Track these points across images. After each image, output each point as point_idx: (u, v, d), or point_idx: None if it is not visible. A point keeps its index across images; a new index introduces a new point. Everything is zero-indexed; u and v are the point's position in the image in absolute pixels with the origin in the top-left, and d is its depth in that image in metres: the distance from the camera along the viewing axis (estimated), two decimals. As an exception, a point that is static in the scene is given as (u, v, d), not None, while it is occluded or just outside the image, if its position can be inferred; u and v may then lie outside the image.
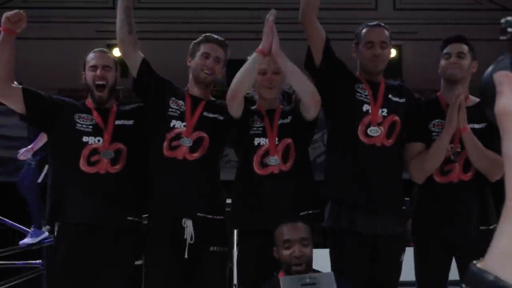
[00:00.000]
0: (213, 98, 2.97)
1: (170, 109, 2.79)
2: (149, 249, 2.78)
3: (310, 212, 2.81)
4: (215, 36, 2.92)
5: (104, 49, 3.01)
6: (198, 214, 2.71)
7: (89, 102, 2.88)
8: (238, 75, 2.76)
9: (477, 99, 2.90)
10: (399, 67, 11.03)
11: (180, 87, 2.95)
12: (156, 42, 10.91)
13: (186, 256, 2.66)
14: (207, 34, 2.96)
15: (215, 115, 2.85)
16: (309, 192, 2.87)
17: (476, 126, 2.81)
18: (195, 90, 2.89)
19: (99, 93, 2.81)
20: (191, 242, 2.66)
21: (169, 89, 2.87)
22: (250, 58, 2.76)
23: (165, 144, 2.74)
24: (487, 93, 0.56)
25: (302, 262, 2.41)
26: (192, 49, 2.92)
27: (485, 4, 13.33)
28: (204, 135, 2.78)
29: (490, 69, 0.59)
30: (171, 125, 2.77)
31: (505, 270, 0.37)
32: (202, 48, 2.86)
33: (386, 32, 2.90)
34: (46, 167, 5.51)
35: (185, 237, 2.67)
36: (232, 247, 3.67)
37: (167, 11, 12.27)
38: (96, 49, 2.94)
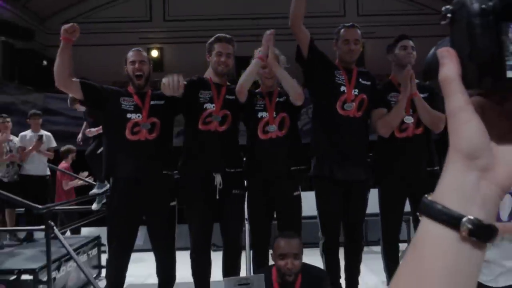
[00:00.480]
0: (228, 83, 2.97)
1: (201, 97, 2.80)
2: (186, 193, 2.82)
3: (299, 167, 2.87)
4: (224, 35, 2.89)
5: (140, 48, 2.95)
6: (226, 170, 2.78)
7: (130, 88, 2.86)
8: (244, 75, 2.78)
9: (417, 80, 2.94)
10: (362, 59, 10.91)
11: (202, 77, 2.92)
12: (183, 45, 10.83)
13: (217, 197, 2.74)
14: (219, 34, 2.91)
15: (234, 97, 2.85)
16: (298, 152, 2.90)
17: (421, 95, 2.84)
18: (216, 79, 2.88)
19: (138, 81, 2.80)
20: (220, 187, 2.74)
21: (198, 84, 2.86)
22: (252, 63, 2.77)
23: (200, 120, 2.76)
24: (431, 67, 0.47)
25: (292, 273, 2.25)
26: (208, 47, 2.89)
27: (426, 10, 13.09)
28: (228, 112, 2.81)
29: (433, 49, 0.47)
30: (204, 107, 2.78)
31: (449, 200, 0.37)
32: (216, 48, 2.84)
33: (359, 32, 2.89)
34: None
35: (215, 183, 2.74)
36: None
37: (190, 22, 12.11)
38: (133, 49, 2.90)
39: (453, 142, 0.38)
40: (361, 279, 3.04)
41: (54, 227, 3.38)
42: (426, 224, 0.38)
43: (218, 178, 2.75)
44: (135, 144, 2.72)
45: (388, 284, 3.06)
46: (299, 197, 2.88)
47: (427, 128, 2.85)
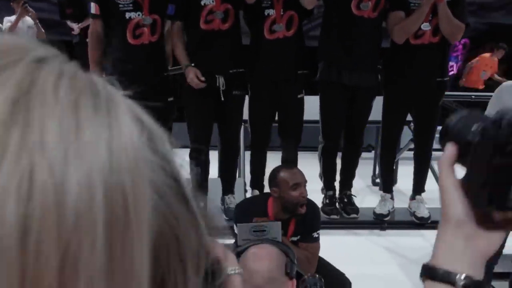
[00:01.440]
0: None
1: None
2: (187, 92, 2.72)
3: (305, 71, 2.79)
4: None
5: None
6: (229, 71, 2.68)
7: None
8: None
9: None
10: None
11: None
12: None
13: (222, 99, 2.66)
14: None
15: None
16: (304, 55, 2.80)
17: None
18: None
19: None
20: (223, 88, 2.66)
21: None
22: None
23: (201, 19, 2.59)
24: (449, 132, 0.49)
25: (305, 202, 2.07)
26: None
27: None
28: (230, 6, 2.61)
29: (457, 116, 0.49)
30: (202, 3, 2.58)
31: (445, 262, 0.48)
32: None
33: None
34: None
35: (217, 85, 2.65)
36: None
37: None
38: None
39: (444, 212, 0.49)
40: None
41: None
42: (430, 286, 0.48)
43: (221, 80, 2.65)
44: (137, 48, 2.56)
45: (380, 188, 3.15)
46: (302, 99, 2.83)
47: (443, 37, 2.71)
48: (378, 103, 2.94)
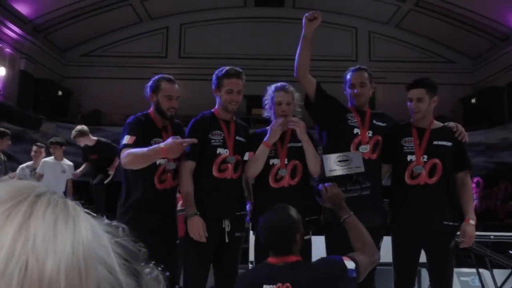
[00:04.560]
0: (236, 119, 2.84)
1: (212, 139, 2.66)
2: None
3: (313, 217, 2.75)
4: (234, 69, 2.69)
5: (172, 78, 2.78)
6: (236, 214, 2.66)
7: (159, 122, 2.71)
8: (253, 162, 2.67)
9: (441, 124, 2.82)
10: (373, 103, 10.99)
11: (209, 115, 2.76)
12: (197, 82, 10.99)
13: (227, 240, 2.59)
14: (228, 68, 2.69)
15: (243, 139, 2.73)
16: (310, 200, 2.74)
17: (446, 143, 2.71)
18: (225, 115, 2.74)
19: (170, 115, 2.68)
20: (228, 229, 2.61)
21: (206, 124, 2.71)
22: (260, 149, 2.65)
23: (214, 167, 2.61)
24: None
25: None
26: (216, 82, 2.70)
27: (436, 58, 13.26)
28: (240, 158, 2.69)
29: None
30: (218, 152, 2.63)
31: None
32: (226, 84, 2.67)
33: (365, 74, 2.80)
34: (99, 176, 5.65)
35: (223, 226, 2.60)
36: (248, 233, 3.62)
37: (204, 59, 12.37)
38: (166, 78, 2.72)
39: None
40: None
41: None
42: None
43: (226, 222, 2.61)
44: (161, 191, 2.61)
45: None
46: (309, 241, 2.76)
47: (442, 178, 2.68)
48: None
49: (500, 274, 4.16)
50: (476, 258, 4.21)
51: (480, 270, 4.17)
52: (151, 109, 2.72)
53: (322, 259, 1.93)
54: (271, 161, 2.69)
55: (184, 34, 13.61)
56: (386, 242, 2.80)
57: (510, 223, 8.36)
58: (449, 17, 11.90)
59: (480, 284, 4.12)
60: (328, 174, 2.15)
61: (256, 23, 13.21)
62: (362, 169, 2.24)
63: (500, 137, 10.15)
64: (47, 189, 0.38)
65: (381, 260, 2.82)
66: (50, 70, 12.52)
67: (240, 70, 2.72)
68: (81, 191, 5.99)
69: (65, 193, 5.74)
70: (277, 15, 13.16)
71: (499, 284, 4.03)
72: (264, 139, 2.64)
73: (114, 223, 0.44)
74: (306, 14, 2.58)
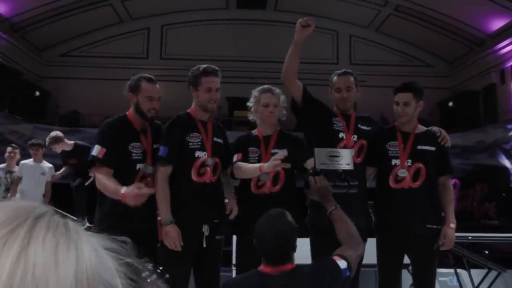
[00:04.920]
0: (213, 120, 2.75)
1: (190, 141, 2.58)
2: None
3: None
4: (212, 67, 2.61)
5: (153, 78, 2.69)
6: (214, 221, 2.59)
7: (137, 124, 2.65)
8: (242, 174, 2.62)
9: (424, 128, 2.85)
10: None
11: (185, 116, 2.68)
12: (177, 83, 10.89)
13: (204, 245, 2.52)
14: (206, 66, 2.61)
15: (221, 141, 2.68)
16: (295, 207, 2.75)
17: (430, 148, 2.75)
18: (202, 116, 2.65)
19: (150, 117, 2.61)
20: (207, 234, 2.54)
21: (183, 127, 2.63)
22: (251, 168, 2.58)
23: (193, 171, 2.54)
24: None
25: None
26: (192, 80, 2.61)
27: (415, 62, 13.49)
28: (218, 160, 2.62)
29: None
30: (196, 155, 2.56)
31: None
32: (204, 82, 2.58)
33: (351, 78, 2.82)
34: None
35: (202, 230, 2.53)
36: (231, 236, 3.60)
37: (186, 61, 12.29)
38: (147, 78, 2.65)
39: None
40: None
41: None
42: None
43: (205, 227, 2.54)
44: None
45: None
46: None
47: (426, 182, 2.71)
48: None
49: (477, 274, 4.25)
50: (454, 259, 4.29)
51: (458, 270, 4.25)
52: (130, 111, 2.64)
53: (315, 264, 1.90)
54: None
55: (165, 35, 13.50)
56: (370, 244, 2.82)
57: (486, 224, 8.55)
58: (428, 22, 12.12)
59: (458, 284, 4.20)
60: (318, 166, 2.18)
61: (238, 25, 13.20)
62: (352, 167, 2.28)
63: (476, 139, 10.37)
64: (47, 209, 0.35)
65: (365, 262, 2.86)
66: (27, 70, 12.23)
67: (217, 68, 2.65)
68: (61, 194, 5.87)
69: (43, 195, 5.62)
70: (259, 17, 13.17)
71: (476, 284, 4.12)
72: (262, 165, 2.51)
73: (120, 238, 0.42)
74: (300, 20, 2.54)
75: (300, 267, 1.65)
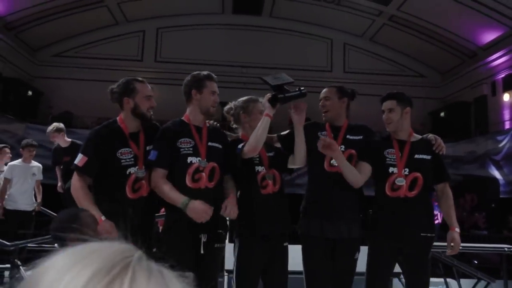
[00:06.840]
0: (208, 124, 2.72)
1: (182, 147, 2.54)
2: (172, 242, 2.50)
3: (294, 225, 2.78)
4: (212, 74, 2.67)
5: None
6: (214, 225, 2.52)
7: (126, 128, 2.62)
8: (257, 136, 2.55)
9: (419, 136, 2.87)
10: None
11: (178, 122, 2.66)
12: (171, 86, 10.88)
13: (202, 251, 2.48)
14: (209, 72, 2.66)
15: (219, 145, 2.64)
16: (288, 208, 2.80)
17: (426, 156, 2.76)
18: (199, 120, 2.64)
19: (149, 116, 2.61)
20: (205, 240, 2.49)
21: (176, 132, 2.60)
22: (264, 120, 2.57)
23: (188, 177, 2.49)
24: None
25: None
26: (196, 83, 2.61)
27: (407, 72, 13.59)
28: (215, 165, 2.56)
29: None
30: (189, 160, 2.51)
31: None
32: (209, 86, 2.60)
33: (333, 89, 2.86)
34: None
35: (199, 237, 2.48)
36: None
37: (180, 64, 12.27)
38: (139, 79, 2.66)
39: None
40: None
41: (20, 266, 3.15)
42: None
43: (203, 235, 2.50)
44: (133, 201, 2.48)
45: None
46: (287, 247, 2.72)
47: (422, 192, 2.71)
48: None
49: (466, 283, 4.26)
50: (444, 268, 4.29)
51: (448, 279, 4.26)
52: (120, 116, 2.60)
53: None
54: (257, 168, 2.69)
55: (160, 38, 13.47)
56: (363, 253, 2.81)
57: (476, 234, 8.58)
58: (421, 32, 12.23)
59: (447, 294, 4.20)
60: (272, 82, 2.59)
61: (233, 30, 13.22)
62: (291, 80, 2.63)
63: (466, 150, 10.44)
64: (140, 254, 0.37)
65: (358, 270, 2.84)
66: (20, 69, 12.12)
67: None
68: (50, 195, 5.79)
69: (35, 195, 5.54)
70: (254, 23, 13.21)
71: (465, 294, 4.12)
72: (266, 111, 2.59)
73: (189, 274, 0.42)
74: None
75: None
